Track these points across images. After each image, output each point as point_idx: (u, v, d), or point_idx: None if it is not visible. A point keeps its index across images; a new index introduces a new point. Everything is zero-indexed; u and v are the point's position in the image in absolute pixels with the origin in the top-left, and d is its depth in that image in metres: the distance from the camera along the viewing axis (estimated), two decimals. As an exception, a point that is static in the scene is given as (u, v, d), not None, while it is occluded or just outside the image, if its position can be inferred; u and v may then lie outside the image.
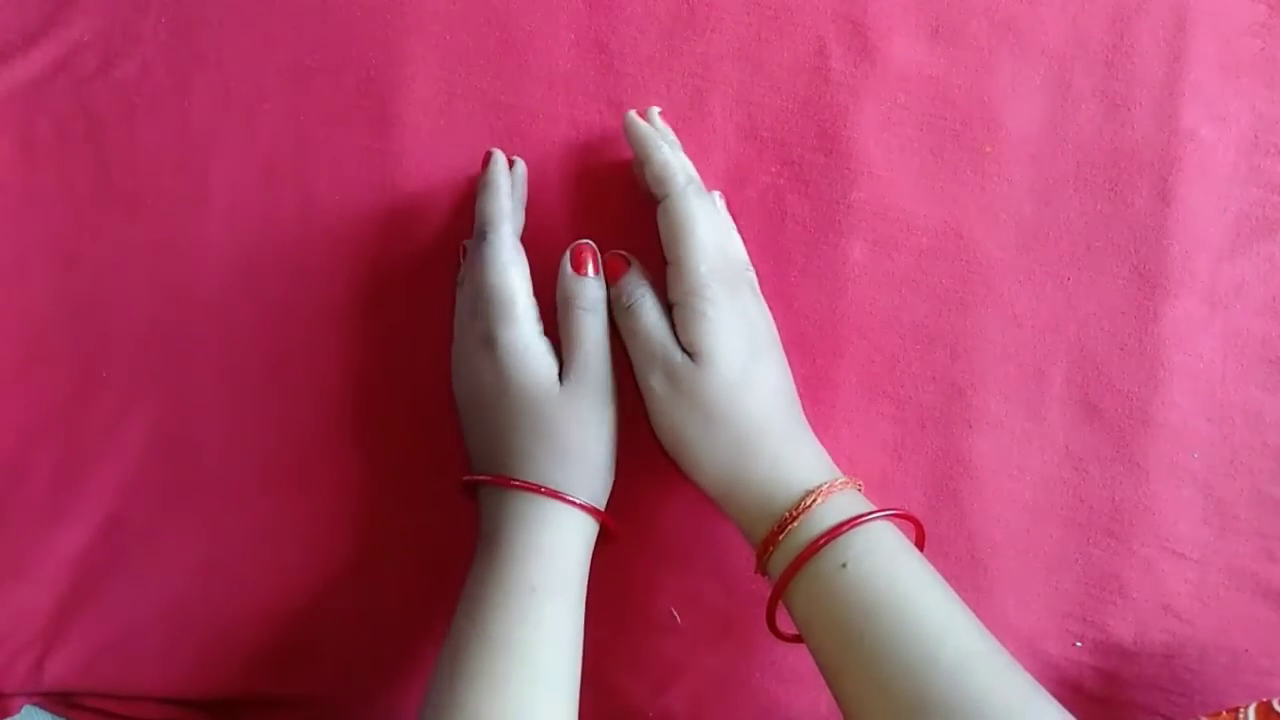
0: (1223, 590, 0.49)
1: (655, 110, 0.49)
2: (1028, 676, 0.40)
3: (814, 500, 0.42)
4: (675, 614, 0.51)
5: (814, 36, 0.50)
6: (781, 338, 0.47)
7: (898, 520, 0.44)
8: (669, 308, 0.46)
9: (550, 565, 0.44)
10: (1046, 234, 0.50)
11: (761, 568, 0.44)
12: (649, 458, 0.47)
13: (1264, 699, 0.44)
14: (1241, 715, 0.44)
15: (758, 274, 0.48)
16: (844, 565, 0.41)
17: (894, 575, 0.41)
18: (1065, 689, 0.50)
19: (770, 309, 0.47)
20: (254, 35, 0.51)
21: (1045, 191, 0.50)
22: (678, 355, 0.44)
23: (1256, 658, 0.49)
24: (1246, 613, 0.49)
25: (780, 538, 0.42)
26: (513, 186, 0.49)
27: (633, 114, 0.48)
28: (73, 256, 0.51)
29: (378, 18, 0.51)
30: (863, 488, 0.45)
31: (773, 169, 0.51)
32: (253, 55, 0.51)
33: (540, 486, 0.44)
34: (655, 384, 0.45)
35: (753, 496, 0.44)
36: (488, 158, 0.49)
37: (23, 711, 0.52)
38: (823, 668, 0.42)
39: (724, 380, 0.44)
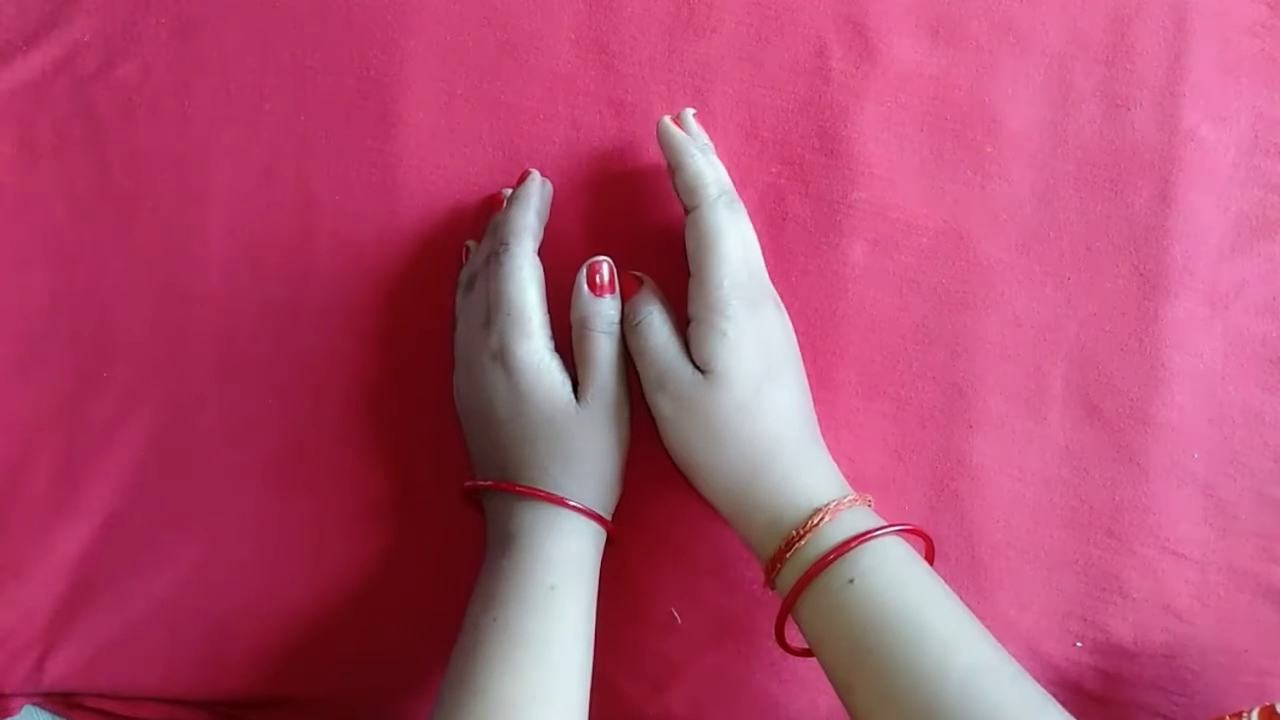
0: (1223, 590, 0.49)
1: (690, 112, 0.49)
2: (1038, 687, 0.40)
3: (821, 518, 0.42)
4: (675, 614, 0.51)
5: (814, 36, 0.50)
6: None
7: (907, 535, 0.43)
8: (685, 322, 0.46)
9: (566, 567, 0.44)
10: (1046, 234, 0.50)
11: (769, 584, 0.44)
12: (651, 460, 0.47)
13: (1268, 703, 0.44)
14: (1245, 719, 0.44)
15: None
16: (851, 581, 0.41)
17: (902, 589, 0.41)
18: (1065, 689, 0.50)
19: (782, 305, 0.47)
20: (254, 35, 0.51)
21: (1045, 191, 0.50)
22: (688, 373, 0.44)
23: (1257, 658, 0.49)
24: (1247, 613, 0.49)
25: (788, 555, 0.42)
26: (540, 203, 0.48)
27: (666, 120, 0.47)
28: (73, 256, 0.51)
29: (378, 18, 0.51)
30: (873, 503, 0.45)
31: (773, 169, 0.51)
32: (253, 55, 0.51)
33: (564, 499, 0.45)
34: (663, 404, 0.45)
35: (762, 515, 0.43)
36: (524, 175, 0.49)
37: (23, 711, 0.52)
38: (834, 683, 0.42)
39: (736, 401, 0.43)
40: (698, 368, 0.44)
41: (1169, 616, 0.50)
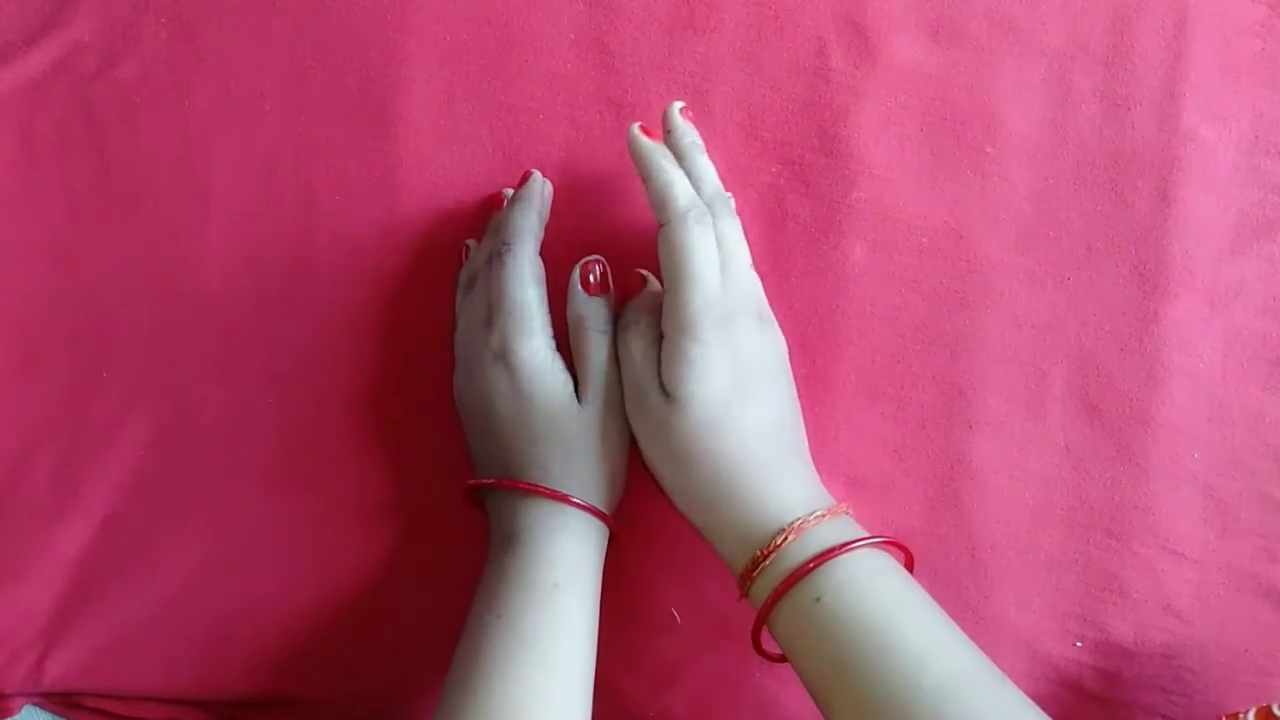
0: (1223, 590, 0.49)
1: (677, 106, 0.47)
2: (1018, 693, 0.39)
3: (785, 538, 0.42)
4: (675, 614, 0.51)
5: (814, 36, 0.50)
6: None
7: (884, 546, 0.43)
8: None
9: (571, 566, 0.44)
10: (1046, 234, 0.50)
11: (744, 597, 0.44)
12: (650, 459, 0.47)
13: (1264, 704, 0.44)
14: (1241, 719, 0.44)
15: (758, 275, 0.48)
16: (819, 599, 0.41)
17: (875, 603, 0.40)
18: (1065, 689, 0.50)
19: (770, 314, 0.47)
20: (254, 35, 0.51)
21: (1045, 191, 0.50)
22: (653, 393, 0.44)
23: (1257, 658, 0.49)
24: (1247, 613, 0.49)
25: (755, 574, 0.42)
26: (542, 204, 0.48)
27: (635, 129, 0.45)
28: (73, 256, 0.51)
29: (378, 18, 0.51)
30: (852, 513, 0.45)
31: (773, 169, 0.51)
32: (253, 55, 0.51)
33: (567, 496, 0.45)
34: (634, 415, 0.45)
35: (730, 534, 0.43)
36: (526, 175, 0.49)
37: (23, 711, 0.52)
38: (812, 695, 0.42)
39: (696, 423, 0.43)
40: (664, 388, 0.44)
41: (1169, 616, 0.49)
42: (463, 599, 0.46)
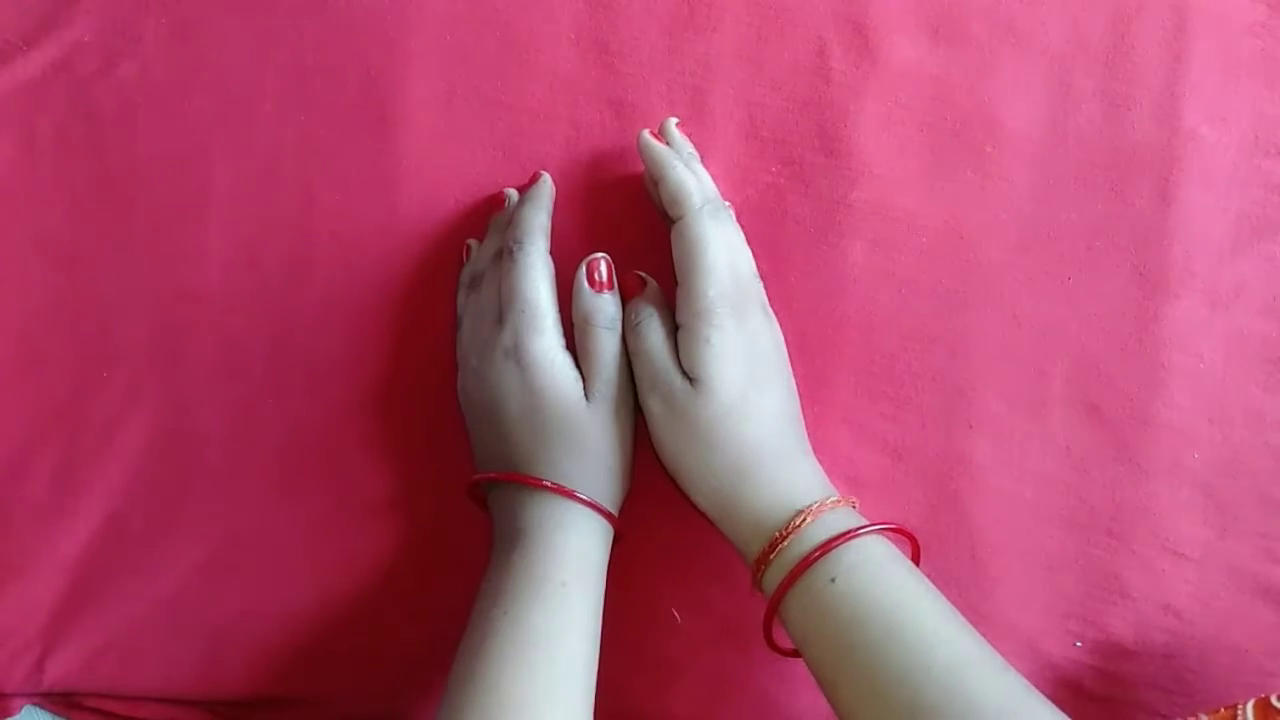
0: (1223, 590, 0.49)
1: (673, 121, 0.49)
2: (1021, 679, 0.40)
3: (804, 520, 0.42)
4: (676, 615, 0.51)
5: (814, 36, 0.50)
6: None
7: (892, 535, 0.44)
8: (676, 328, 0.46)
9: (579, 564, 0.45)
10: (1046, 234, 0.50)
11: (756, 586, 0.44)
12: (653, 462, 0.47)
13: (1262, 695, 0.44)
14: (1240, 712, 0.44)
15: (759, 274, 0.48)
16: (833, 580, 0.41)
17: (884, 587, 0.41)
18: (1065, 689, 0.50)
19: (771, 310, 0.47)
20: (254, 35, 0.51)
21: (1045, 191, 0.50)
22: (677, 380, 0.45)
23: (1257, 658, 0.49)
24: (1247, 613, 0.49)
25: (772, 556, 0.43)
26: (550, 203, 0.49)
27: (646, 134, 0.47)
28: (73, 256, 0.51)
29: (378, 18, 0.51)
30: (858, 505, 0.45)
31: (773, 169, 0.51)
32: (253, 55, 0.51)
33: (575, 493, 0.45)
34: (654, 406, 0.45)
35: (747, 518, 0.44)
36: (535, 176, 0.50)
37: (23, 711, 0.52)
38: (820, 681, 0.42)
39: (721, 407, 0.44)
40: (686, 375, 0.45)
41: (1169, 616, 0.50)
42: (464, 599, 0.46)
